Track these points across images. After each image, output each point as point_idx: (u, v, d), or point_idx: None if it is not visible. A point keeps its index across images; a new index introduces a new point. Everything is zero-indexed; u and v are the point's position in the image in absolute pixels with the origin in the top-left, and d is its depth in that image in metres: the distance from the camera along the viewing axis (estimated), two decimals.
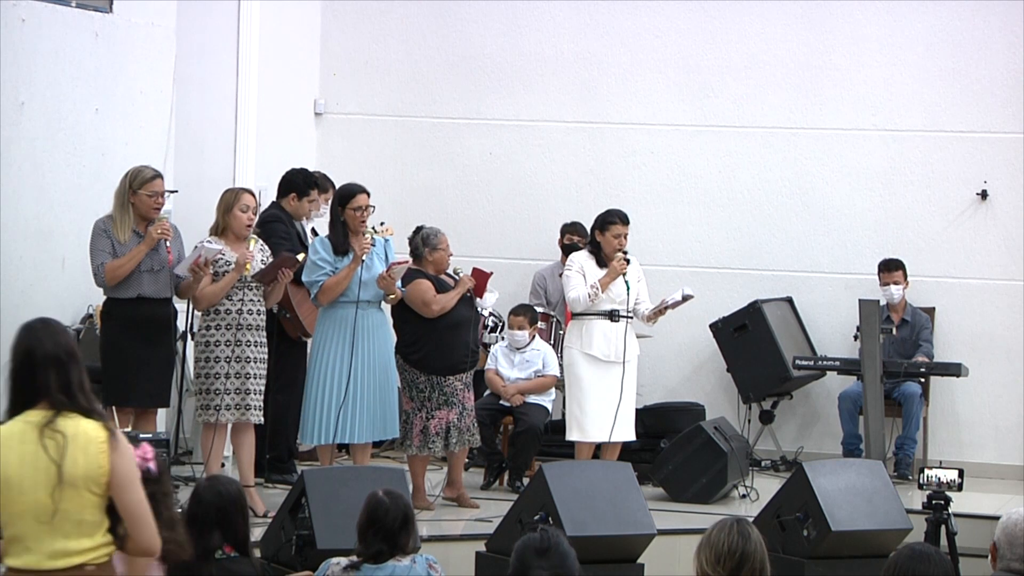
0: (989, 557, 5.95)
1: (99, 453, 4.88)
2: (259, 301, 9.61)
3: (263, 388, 9.57)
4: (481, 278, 10.21)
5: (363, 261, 9.62)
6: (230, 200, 9.59)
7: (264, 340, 9.61)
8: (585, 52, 12.97)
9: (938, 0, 12.43)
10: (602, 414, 10.39)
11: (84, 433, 4.89)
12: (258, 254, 9.62)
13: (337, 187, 10.39)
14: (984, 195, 12.34)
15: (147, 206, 9.41)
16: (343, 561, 6.32)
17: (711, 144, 12.80)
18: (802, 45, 12.65)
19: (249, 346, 9.48)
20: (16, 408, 4.95)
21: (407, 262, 10.01)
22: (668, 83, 12.86)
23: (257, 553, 7.66)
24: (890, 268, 12.07)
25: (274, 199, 10.78)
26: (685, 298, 10.56)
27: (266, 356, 9.61)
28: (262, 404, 9.54)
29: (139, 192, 9.39)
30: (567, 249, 11.92)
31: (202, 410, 9.52)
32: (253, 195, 9.76)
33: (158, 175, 9.52)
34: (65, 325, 5.53)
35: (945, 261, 12.43)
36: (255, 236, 9.68)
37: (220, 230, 9.56)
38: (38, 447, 4.86)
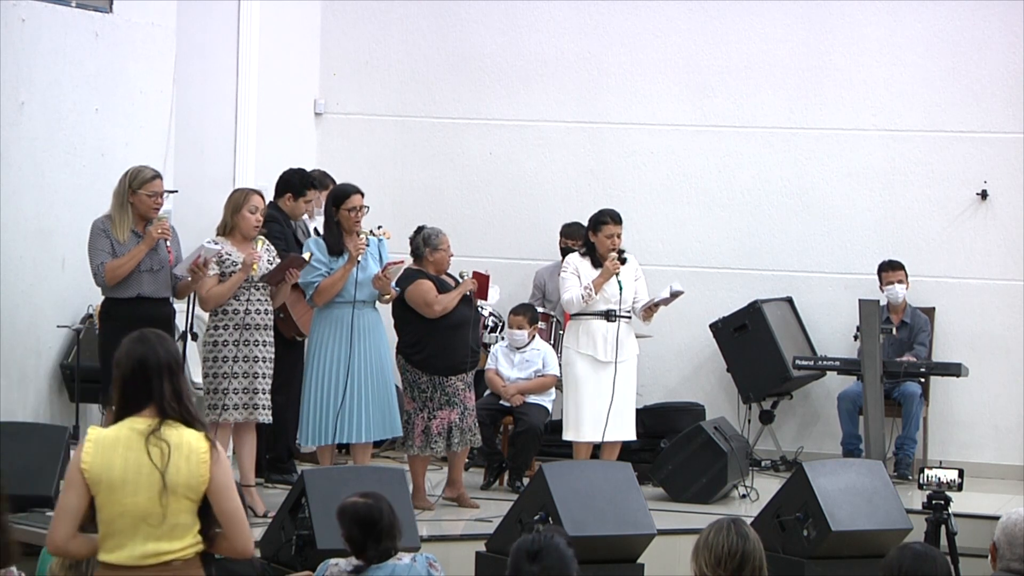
0: (989, 557, 5.95)
1: (200, 463, 5.19)
2: (266, 301, 9.61)
3: (270, 387, 9.58)
4: (482, 281, 10.21)
5: (358, 262, 9.62)
6: (239, 200, 9.59)
7: (271, 339, 9.62)
8: (585, 52, 12.97)
9: (938, 0, 12.43)
10: (598, 414, 10.38)
11: (187, 443, 5.19)
12: (264, 255, 9.63)
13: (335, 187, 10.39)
14: (984, 195, 12.34)
15: (146, 206, 9.41)
16: (342, 562, 6.32)
17: (711, 144, 12.80)
18: (802, 45, 12.65)
19: (256, 345, 9.48)
20: (123, 413, 5.23)
21: (402, 262, 10.00)
22: (668, 83, 12.86)
23: (257, 553, 7.67)
24: (893, 267, 12.07)
25: (271, 199, 10.78)
26: (674, 294, 10.56)
27: (273, 355, 9.61)
28: (270, 403, 9.54)
29: (139, 192, 9.39)
30: (565, 253, 11.94)
31: (210, 409, 9.52)
32: (262, 196, 9.76)
33: (157, 175, 9.52)
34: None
35: (945, 261, 12.43)
36: (262, 237, 9.69)
37: (228, 230, 9.56)
38: (142, 453, 5.16)
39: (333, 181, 10.97)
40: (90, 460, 5.17)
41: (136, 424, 5.20)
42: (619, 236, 10.50)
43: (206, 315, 9.91)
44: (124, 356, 5.25)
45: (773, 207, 12.71)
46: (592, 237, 10.55)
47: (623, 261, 10.43)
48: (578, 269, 10.50)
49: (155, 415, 5.21)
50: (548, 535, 5.11)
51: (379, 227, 9.93)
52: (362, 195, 9.81)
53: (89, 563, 5.86)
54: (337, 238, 9.72)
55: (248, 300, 9.53)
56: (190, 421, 5.25)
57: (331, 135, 13.21)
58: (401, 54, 13.20)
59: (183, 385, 5.29)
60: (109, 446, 5.18)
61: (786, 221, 12.69)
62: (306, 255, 9.74)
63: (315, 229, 10.87)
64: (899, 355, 11.91)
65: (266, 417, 9.50)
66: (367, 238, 9.67)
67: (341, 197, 9.80)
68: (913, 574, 5.32)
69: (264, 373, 9.51)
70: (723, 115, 12.77)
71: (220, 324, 9.51)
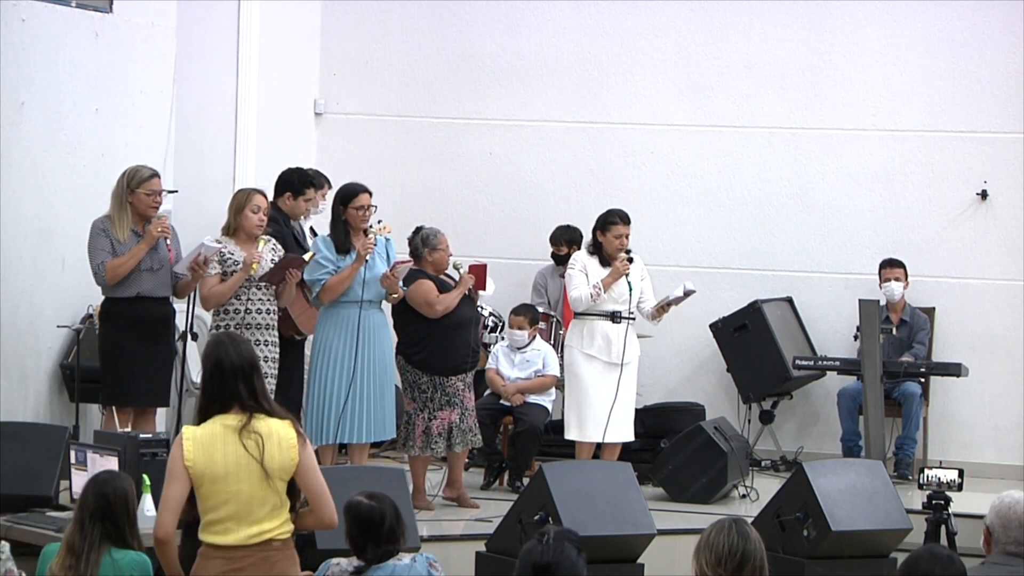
0: (983, 541, 5.94)
1: (291, 448, 5.87)
2: (268, 300, 9.61)
3: (274, 387, 9.57)
4: (479, 272, 10.21)
5: (366, 260, 9.62)
6: (242, 200, 9.62)
7: (274, 339, 9.62)
8: (585, 52, 12.96)
9: (938, 0, 12.43)
10: (601, 414, 10.39)
11: (276, 432, 5.87)
12: (268, 254, 9.63)
13: (336, 186, 10.38)
14: (984, 195, 12.34)
15: (145, 205, 9.43)
16: (343, 562, 6.32)
17: (711, 144, 12.80)
18: (802, 45, 12.65)
19: (257, 345, 9.47)
20: (208, 413, 5.87)
21: (410, 262, 10.01)
22: (668, 83, 12.85)
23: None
24: (892, 265, 12.07)
25: (270, 199, 10.77)
26: (687, 293, 10.56)
27: (277, 355, 9.62)
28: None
29: (137, 191, 9.40)
30: (556, 259, 11.99)
31: None
32: (265, 196, 9.78)
33: (155, 174, 9.54)
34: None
35: (945, 261, 12.43)
36: (266, 237, 9.69)
37: (232, 230, 9.59)
38: (239, 447, 5.81)
39: (328, 181, 10.97)
40: (192, 457, 5.78)
41: (227, 421, 5.84)
42: (627, 236, 10.50)
43: (207, 315, 9.91)
44: (204, 359, 5.84)
45: (773, 207, 12.71)
46: (600, 237, 10.54)
47: (630, 261, 10.43)
48: (586, 267, 10.50)
49: (241, 412, 5.84)
50: (559, 545, 5.05)
51: (379, 222, 9.92)
52: (370, 194, 9.81)
53: (89, 563, 5.94)
54: (344, 237, 9.72)
55: (249, 300, 9.53)
56: (270, 413, 5.91)
57: (331, 135, 13.21)
58: (401, 54, 13.20)
59: (259, 383, 5.91)
60: (207, 443, 5.80)
61: (786, 221, 12.69)
62: (307, 256, 9.74)
63: (311, 228, 10.87)
64: (899, 355, 11.91)
65: None
66: (375, 237, 9.67)
67: (349, 196, 9.80)
68: (930, 575, 5.33)
69: (266, 372, 9.50)
70: (723, 115, 12.76)
71: (222, 324, 9.52)
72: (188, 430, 5.85)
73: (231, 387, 5.86)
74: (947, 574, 5.34)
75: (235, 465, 5.81)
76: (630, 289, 10.41)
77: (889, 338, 11.84)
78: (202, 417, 5.89)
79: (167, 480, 5.85)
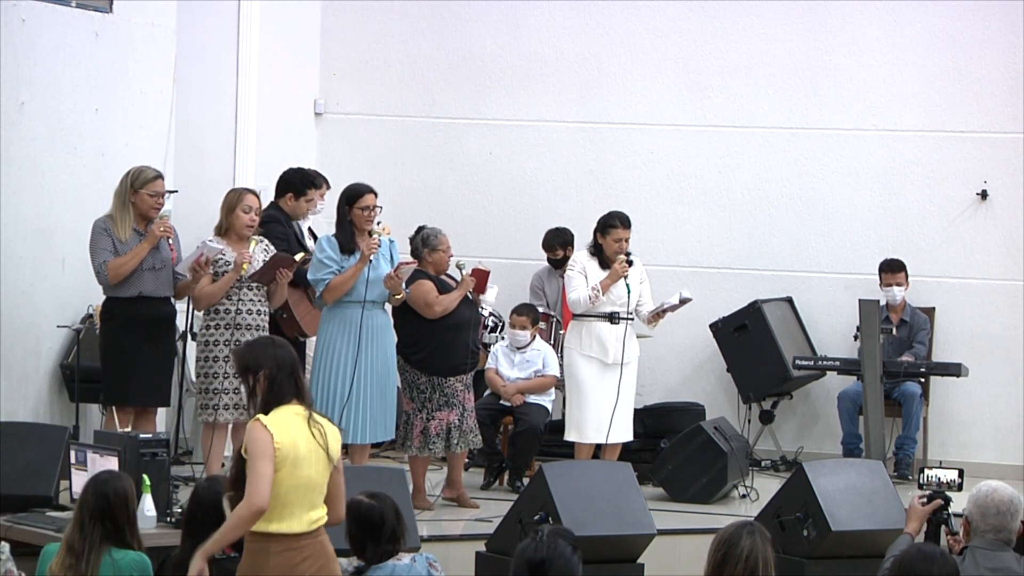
0: (962, 531, 5.97)
1: (338, 442, 6.20)
2: (259, 301, 9.62)
3: None
4: (481, 277, 10.21)
5: (370, 261, 9.62)
6: (233, 200, 9.63)
7: None
8: (585, 52, 12.96)
9: (938, 0, 12.43)
10: (600, 415, 10.39)
11: (328, 425, 6.20)
12: (260, 254, 9.63)
13: (336, 186, 10.39)
14: (984, 195, 12.34)
15: (147, 205, 9.44)
16: (344, 562, 6.32)
17: (711, 144, 12.80)
18: (802, 45, 12.65)
19: None
20: (274, 404, 6.08)
21: (414, 262, 10.01)
22: (668, 83, 12.85)
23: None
24: (893, 269, 12.06)
25: (272, 199, 10.78)
26: (683, 301, 10.57)
27: None
28: None
29: (140, 192, 9.42)
30: (552, 263, 12.00)
31: (201, 409, 9.54)
32: (256, 196, 9.78)
33: (159, 175, 9.57)
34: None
35: (945, 261, 12.43)
36: (258, 237, 9.69)
37: (223, 230, 9.59)
38: (308, 433, 6.07)
39: (326, 181, 10.98)
40: (280, 439, 5.99)
41: (296, 410, 6.10)
42: (627, 240, 10.49)
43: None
44: (269, 358, 6.11)
45: (773, 207, 12.71)
46: (600, 239, 10.54)
47: (630, 263, 10.43)
48: (585, 268, 10.50)
49: (299, 404, 6.12)
50: (552, 541, 5.06)
51: (379, 223, 9.92)
52: (375, 195, 9.81)
53: (89, 563, 5.94)
54: (349, 237, 9.72)
55: (240, 300, 9.54)
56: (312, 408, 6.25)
57: (331, 135, 13.21)
58: (401, 54, 13.20)
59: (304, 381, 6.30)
60: (287, 427, 6.04)
61: (786, 221, 12.69)
62: (298, 256, 9.75)
63: (309, 228, 10.87)
64: (899, 355, 11.91)
65: None
66: (379, 238, 9.67)
67: (355, 196, 9.79)
68: (920, 574, 5.33)
69: None
70: (723, 115, 12.76)
71: (212, 324, 9.53)
72: (262, 417, 6.04)
73: (290, 382, 6.12)
74: (941, 573, 5.35)
75: (306, 451, 6.04)
76: (628, 291, 10.40)
77: (889, 338, 11.84)
78: (266, 410, 6.08)
79: (257, 460, 5.95)
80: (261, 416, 6.05)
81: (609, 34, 12.93)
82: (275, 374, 6.09)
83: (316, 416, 6.15)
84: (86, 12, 10.74)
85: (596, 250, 10.56)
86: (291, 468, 6.01)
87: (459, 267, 10.21)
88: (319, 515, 6.12)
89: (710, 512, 10.29)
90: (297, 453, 6.02)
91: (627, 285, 10.40)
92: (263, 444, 5.97)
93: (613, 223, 10.53)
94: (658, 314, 10.56)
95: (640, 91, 12.89)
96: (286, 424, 6.03)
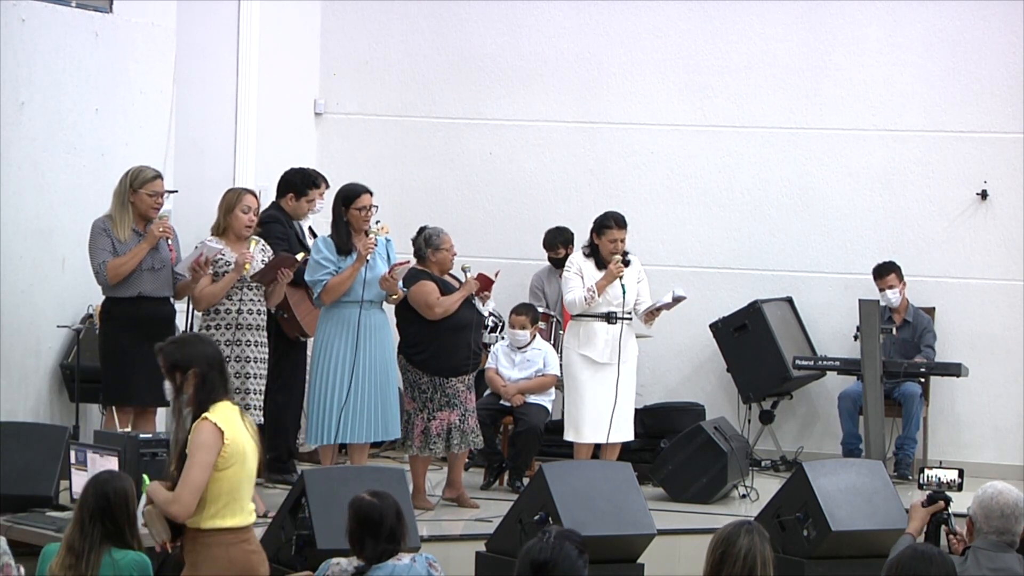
0: (965, 531, 5.97)
1: (257, 435, 6.36)
2: (259, 301, 9.62)
3: (263, 388, 9.57)
4: (486, 283, 10.19)
5: (367, 261, 9.61)
6: (232, 200, 9.61)
7: (264, 340, 9.61)
8: (585, 52, 12.97)
9: (938, 0, 12.43)
10: (598, 416, 10.39)
11: (248, 417, 6.36)
12: (258, 255, 9.63)
13: (336, 186, 10.38)
14: (984, 195, 12.34)
15: (147, 205, 9.44)
16: (344, 562, 6.32)
17: (711, 144, 12.80)
18: (802, 45, 12.65)
19: (249, 346, 9.48)
20: (208, 403, 6.17)
21: (408, 263, 10.00)
22: (668, 83, 12.86)
23: None
24: (881, 274, 12.04)
25: (273, 199, 10.78)
26: (676, 299, 10.57)
27: (267, 356, 9.61)
28: (262, 404, 9.54)
29: (140, 191, 9.41)
30: (552, 262, 12.00)
31: None
32: (255, 196, 9.77)
33: (159, 175, 9.56)
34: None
35: (945, 261, 12.43)
36: (256, 237, 9.68)
37: (221, 230, 9.57)
38: (246, 429, 6.24)
39: (325, 180, 10.98)
40: (230, 436, 6.13)
41: (230, 407, 6.22)
42: (623, 241, 10.49)
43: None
44: (199, 356, 6.21)
45: (773, 207, 12.71)
46: (596, 240, 10.54)
47: (627, 263, 10.43)
48: (581, 269, 10.50)
49: (230, 401, 6.24)
50: (559, 543, 5.04)
51: (377, 222, 9.91)
52: (371, 194, 9.81)
53: (89, 563, 5.95)
54: (346, 237, 9.72)
55: (241, 300, 9.52)
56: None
57: (331, 135, 13.21)
58: (401, 54, 13.20)
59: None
60: (233, 424, 6.17)
61: (786, 221, 12.69)
62: (299, 256, 9.75)
63: (309, 228, 10.87)
64: (904, 355, 11.90)
65: (258, 417, 9.48)
66: (376, 238, 9.67)
67: (351, 196, 9.79)
68: (915, 574, 5.33)
69: (256, 373, 9.50)
70: (723, 115, 12.77)
71: (212, 324, 9.51)
72: (211, 416, 6.12)
73: (221, 379, 6.25)
74: (938, 573, 5.35)
75: (246, 445, 6.21)
76: (623, 291, 10.40)
77: (890, 338, 11.84)
78: (202, 408, 6.17)
79: (195, 468, 6.06)
80: (209, 415, 6.16)
81: (609, 34, 12.93)
82: (206, 372, 6.21)
83: (242, 411, 6.37)
84: (86, 12, 10.74)
85: (592, 250, 10.56)
86: (240, 463, 6.19)
87: (464, 269, 10.21)
88: (253, 506, 6.37)
89: (710, 512, 10.29)
90: (244, 448, 6.20)
91: (622, 285, 10.39)
92: (210, 447, 6.12)
93: (608, 224, 10.52)
94: (652, 312, 10.56)
95: (640, 91, 12.89)
96: (231, 421, 6.19)
